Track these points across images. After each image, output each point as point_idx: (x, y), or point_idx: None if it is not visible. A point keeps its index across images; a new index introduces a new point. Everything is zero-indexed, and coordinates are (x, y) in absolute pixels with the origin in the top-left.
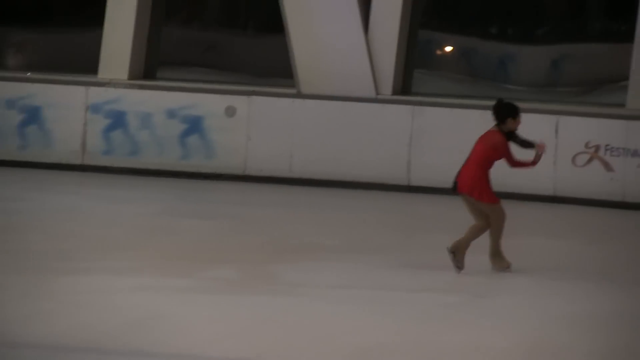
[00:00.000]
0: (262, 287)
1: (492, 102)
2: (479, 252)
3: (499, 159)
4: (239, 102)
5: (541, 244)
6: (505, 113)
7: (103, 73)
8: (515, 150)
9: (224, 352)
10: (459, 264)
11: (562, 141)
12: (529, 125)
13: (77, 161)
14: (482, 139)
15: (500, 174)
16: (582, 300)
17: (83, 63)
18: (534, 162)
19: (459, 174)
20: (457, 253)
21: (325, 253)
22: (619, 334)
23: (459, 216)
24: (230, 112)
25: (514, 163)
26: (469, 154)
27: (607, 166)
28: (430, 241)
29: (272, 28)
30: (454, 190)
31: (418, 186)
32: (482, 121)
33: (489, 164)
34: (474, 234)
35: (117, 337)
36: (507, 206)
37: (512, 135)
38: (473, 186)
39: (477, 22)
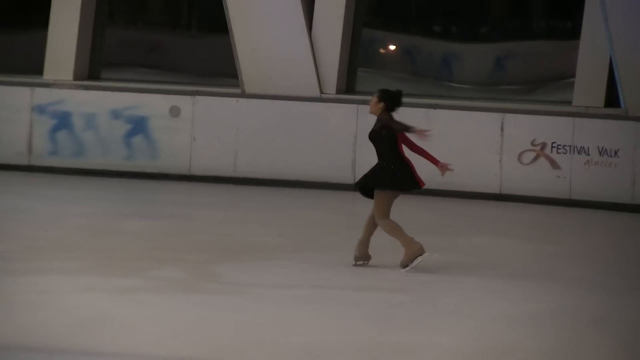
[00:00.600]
0: (207, 287)
1: (438, 101)
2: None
3: None
4: (183, 102)
5: (487, 242)
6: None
7: (48, 74)
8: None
9: (171, 352)
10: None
11: (507, 139)
12: (475, 123)
13: (23, 162)
14: None
15: (446, 173)
16: (528, 299)
17: (28, 64)
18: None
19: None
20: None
21: (271, 252)
22: (565, 333)
23: (403, 215)
24: (174, 112)
25: None
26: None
27: (554, 164)
28: (377, 240)
29: (216, 28)
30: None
31: None
32: (426, 119)
33: None
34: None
35: (64, 337)
36: (453, 204)
37: None
38: None
39: (420, 20)
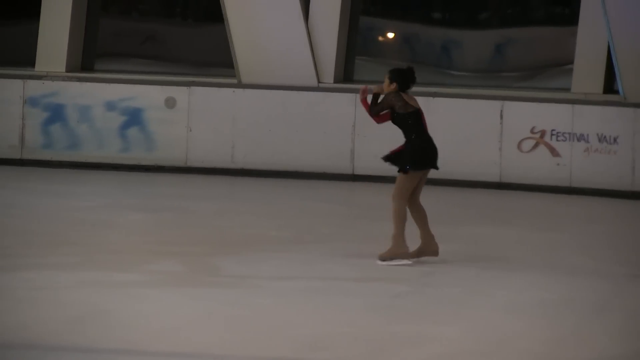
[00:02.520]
0: (207, 280)
1: (437, 89)
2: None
3: None
4: (179, 93)
5: (488, 231)
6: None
7: (40, 66)
8: None
9: (170, 347)
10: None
11: (507, 127)
12: (474, 111)
13: (16, 156)
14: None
15: (446, 162)
16: (530, 288)
17: (20, 56)
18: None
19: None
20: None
21: (270, 244)
22: (567, 322)
23: None
24: (170, 103)
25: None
26: (423, 126)
27: (554, 151)
28: (376, 230)
29: (212, 17)
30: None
31: (362, 175)
32: (425, 107)
33: None
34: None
35: (61, 333)
36: (453, 193)
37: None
38: None
39: (419, 7)
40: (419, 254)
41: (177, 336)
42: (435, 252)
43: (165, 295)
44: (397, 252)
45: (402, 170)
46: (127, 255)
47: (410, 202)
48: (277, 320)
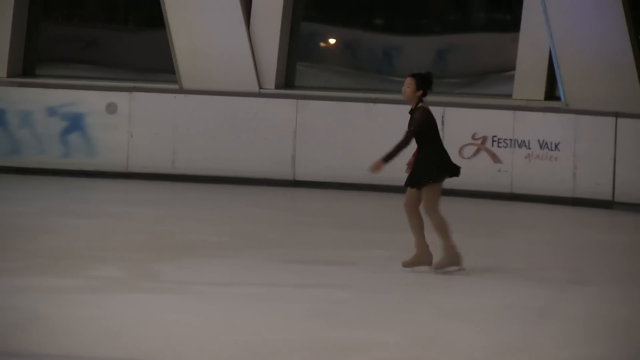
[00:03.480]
0: (147, 286)
1: (378, 95)
2: (370, 246)
3: None
4: (120, 99)
5: (429, 237)
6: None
7: None
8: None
9: (109, 352)
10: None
11: (448, 133)
12: None
13: None
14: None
15: (387, 168)
16: (471, 294)
17: None
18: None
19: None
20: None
21: (210, 250)
22: (508, 327)
23: (344, 210)
24: (111, 108)
25: None
26: (439, 137)
27: (495, 157)
28: (317, 236)
29: (153, 23)
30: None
31: (303, 180)
32: (366, 114)
33: None
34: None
35: (1, 339)
36: (395, 199)
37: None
38: None
39: (360, 13)
40: (415, 262)
41: (117, 341)
42: (429, 262)
43: (104, 300)
44: (451, 260)
45: (424, 184)
46: (66, 260)
47: (412, 208)
48: (216, 326)
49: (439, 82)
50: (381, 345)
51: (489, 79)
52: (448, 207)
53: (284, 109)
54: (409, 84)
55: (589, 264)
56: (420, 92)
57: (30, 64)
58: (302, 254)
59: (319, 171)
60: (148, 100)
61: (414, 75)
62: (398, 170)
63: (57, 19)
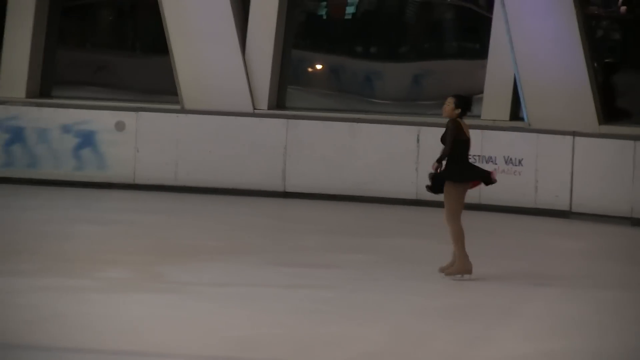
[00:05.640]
0: (151, 286)
1: (360, 115)
2: (352, 251)
3: None
4: (128, 118)
5: (405, 243)
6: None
7: (2, 92)
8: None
9: (118, 346)
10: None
11: (423, 150)
12: (394, 135)
13: None
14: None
15: (367, 180)
16: (441, 294)
17: None
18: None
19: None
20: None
21: (209, 254)
22: (475, 324)
23: (329, 219)
24: (120, 126)
25: None
26: (467, 154)
27: None
28: (304, 242)
29: (158, 50)
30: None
31: (293, 192)
32: (349, 132)
33: None
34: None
35: (18, 333)
36: (374, 209)
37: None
38: None
39: (344, 42)
40: (456, 271)
41: (125, 336)
42: (469, 271)
43: (114, 299)
44: (462, 269)
45: (449, 179)
46: (79, 263)
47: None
48: (213, 322)
49: (415, 104)
50: (362, 339)
51: None
52: (422, 216)
53: (275, 127)
54: (448, 102)
55: (550, 268)
56: (459, 111)
57: (46, 86)
58: (290, 258)
59: (307, 183)
60: (153, 119)
61: (455, 95)
62: (376, 184)
63: (71, 45)
